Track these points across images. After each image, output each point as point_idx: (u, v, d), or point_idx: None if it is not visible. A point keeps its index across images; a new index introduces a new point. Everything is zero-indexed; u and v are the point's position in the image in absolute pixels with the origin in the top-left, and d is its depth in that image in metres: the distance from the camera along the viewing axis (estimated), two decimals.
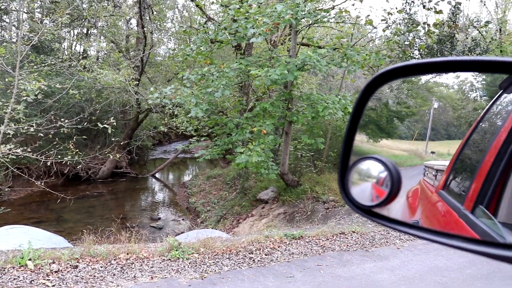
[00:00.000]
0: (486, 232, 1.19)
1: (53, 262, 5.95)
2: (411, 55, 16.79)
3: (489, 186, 1.38)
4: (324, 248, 7.65)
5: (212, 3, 17.42)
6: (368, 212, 1.26)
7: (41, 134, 11.66)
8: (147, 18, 21.37)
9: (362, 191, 1.30)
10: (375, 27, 13.51)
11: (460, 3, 15.28)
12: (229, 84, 10.69)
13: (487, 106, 1.93)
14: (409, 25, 15.04)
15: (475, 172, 1.64)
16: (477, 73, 1.15)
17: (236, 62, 10.85)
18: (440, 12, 11.89)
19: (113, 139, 17.49)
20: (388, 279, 6.32)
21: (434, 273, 6.52)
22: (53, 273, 5.70)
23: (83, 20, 21.94)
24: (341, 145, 1.34)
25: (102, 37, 23.74)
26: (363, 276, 6.39)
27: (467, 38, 19.14)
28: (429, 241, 1.13)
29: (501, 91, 1.77)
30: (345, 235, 8.42)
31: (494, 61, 1.02)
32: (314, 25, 13.31)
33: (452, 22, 15.94)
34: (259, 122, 10.56)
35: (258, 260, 6.87)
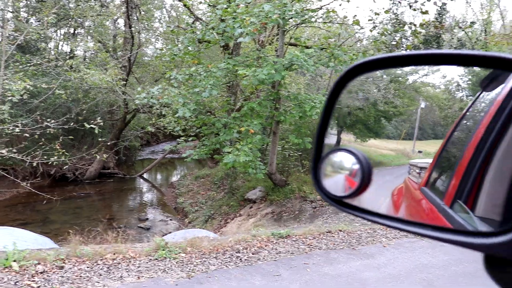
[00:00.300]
0: (461, 225, 1.21)
1: (39, 263, 5.89)
2: None
3: (467, 181, 1.40)
4: (311, 246, 7.68)
5: (200, 3, 17.38)
6: (339, 202, 1.27)
7: (27, 135, 11.54)
8: (135, 18, 21.26)
9: (336, 183, 1.32)
10: (362, 27, 13.60)
11: (445, 4, 15.46)
12: (217, 84, 10.69)
13: (469, 105, 1.96)
14: (396, 25, 15.17)
15: (454, 169, 1.67)
16: (454, 66, 1.15)
17: (224, 62, 10.87)
18: (426, 12, 12.02)
19: (100, 139, 17.31)
20: (374, 276, 6.37)
21: (419, 270, 6.59)
22: (39, 274, 5.65)
23: (69, 19, 21.71)
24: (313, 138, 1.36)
25: (89, 37, 23.57)
26: (349, 274, 6.43)
27: (453, 38, 19.39)
28: (398, 230, 1.14)
29: (482, 89, 1.80)
30: (332, 233, 8.47)
31: (466, 55, 1.03)
32: (302, 25, 13.35)
33: (438, 23, 16.12)
34: (247, 121, 10.57)
35: (245, 259, 6.87)
